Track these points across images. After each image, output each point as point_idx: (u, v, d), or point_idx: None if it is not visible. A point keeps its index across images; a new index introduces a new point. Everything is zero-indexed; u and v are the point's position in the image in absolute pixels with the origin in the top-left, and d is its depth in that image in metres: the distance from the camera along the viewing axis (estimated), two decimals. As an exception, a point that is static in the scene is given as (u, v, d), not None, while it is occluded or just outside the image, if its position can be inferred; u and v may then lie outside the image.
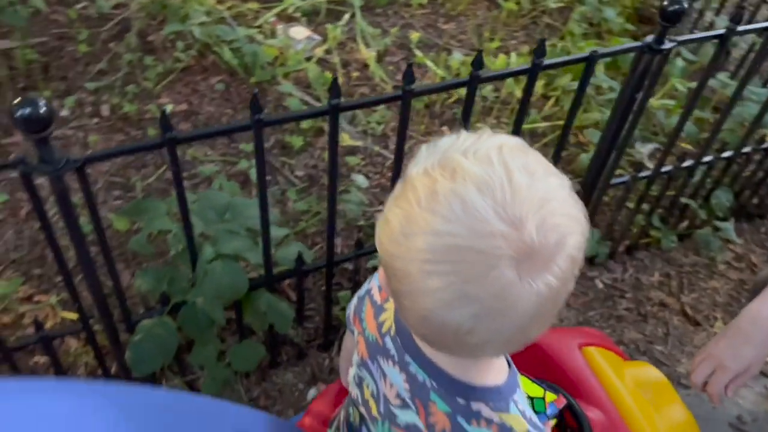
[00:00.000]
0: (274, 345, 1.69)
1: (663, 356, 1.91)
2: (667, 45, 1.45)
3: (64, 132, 2.23)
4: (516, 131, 1.45)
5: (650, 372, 1.35)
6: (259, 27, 2.64)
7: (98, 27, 2.60)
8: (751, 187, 2.21)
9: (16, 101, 0.94)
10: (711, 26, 2.72)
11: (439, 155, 0.62)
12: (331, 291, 1.64)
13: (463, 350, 0.65)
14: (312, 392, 1.72)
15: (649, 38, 1.46)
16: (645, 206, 2.03)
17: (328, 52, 2.62)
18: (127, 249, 1.90)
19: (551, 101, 2.47)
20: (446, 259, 0.58)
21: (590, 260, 2.08)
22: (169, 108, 2.32)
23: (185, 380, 1.66)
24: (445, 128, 2.41)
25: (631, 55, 1.51)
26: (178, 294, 1.38)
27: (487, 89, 2.49)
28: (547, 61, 1.35)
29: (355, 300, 0.91)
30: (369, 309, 0.86)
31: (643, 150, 2.26)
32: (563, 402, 1.05)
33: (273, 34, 2.62)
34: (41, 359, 1.68)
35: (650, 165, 2.09)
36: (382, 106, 2.38)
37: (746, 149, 2.00)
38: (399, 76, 2.52)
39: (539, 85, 2.47)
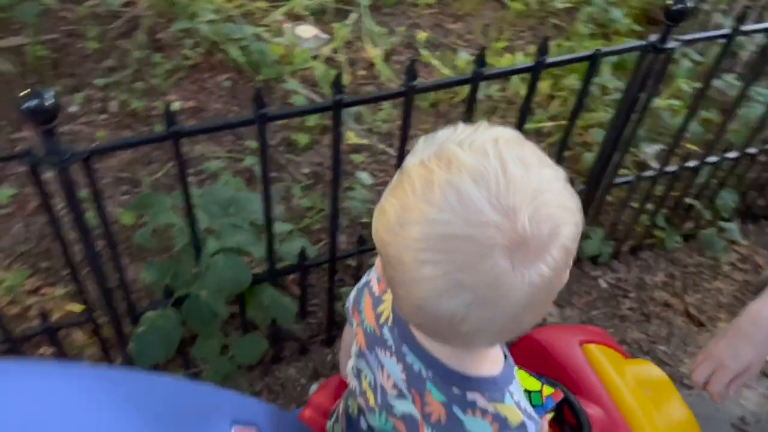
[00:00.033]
0: (277, 340, 1.70)
1: (666, 356, 1.90)
2: (671, 44, 1.45)
3: (73, 128, 2.25)
4: (519, 130, 1.45)
5: (651, 370, 1.35)
6: (266, 25, 2.66)
7: (107, 24, 2.62)
8: (757, 188, 2.20)
9: (22, 93, 0.96)
10: (719, 28, 2.72)
11: (436, 147, 0.63)
12: (334, 287, 1.65)
13: (456, 339, 0.66)
14: (314, 387, 1.73)
15: (653, 37, 1.46)
16: (650, 206, 2.02)
17: (335, 50, 2.63)
18: (132, 243, 1.92)
19: (557, 101, 2.47)
20: (440, 248, 0.58)
21: (594, 260, 2.08)
22: (176, 105, 2.34)
23: (188, 373, 1.67)
24: (450, 128, 2.41)
25: (637, 54, 1.51)
26: (182, 287, 1.40)
27: (492, 88, 2.49)
28: (550, 59, 1.36)
29: (354, 292, 0.92)
30: (368, 300, 0.87)
31: (648, 151, 2.25)
32: (561, 396, 1.05)
33: (280, 33, 2.63)
34: (47, 350, 1.70)
35: (656, 166, 2.09)
36: (388, 105, 2.39)
37: (752, 150, 2.00)
38: (405, 75, 2.53)
39: (545, 86, 2.47)
